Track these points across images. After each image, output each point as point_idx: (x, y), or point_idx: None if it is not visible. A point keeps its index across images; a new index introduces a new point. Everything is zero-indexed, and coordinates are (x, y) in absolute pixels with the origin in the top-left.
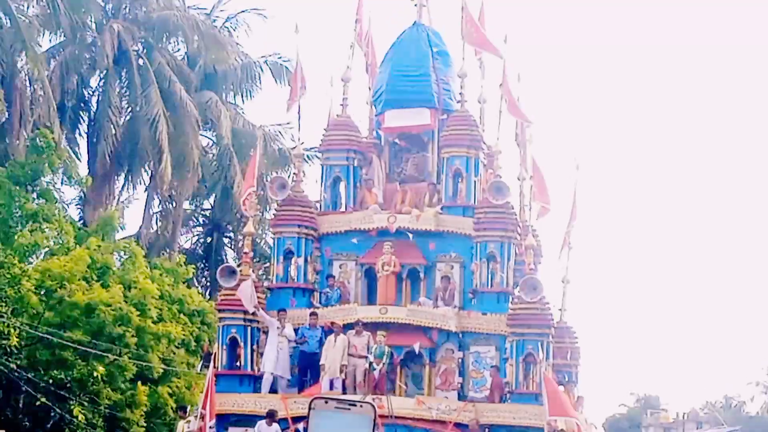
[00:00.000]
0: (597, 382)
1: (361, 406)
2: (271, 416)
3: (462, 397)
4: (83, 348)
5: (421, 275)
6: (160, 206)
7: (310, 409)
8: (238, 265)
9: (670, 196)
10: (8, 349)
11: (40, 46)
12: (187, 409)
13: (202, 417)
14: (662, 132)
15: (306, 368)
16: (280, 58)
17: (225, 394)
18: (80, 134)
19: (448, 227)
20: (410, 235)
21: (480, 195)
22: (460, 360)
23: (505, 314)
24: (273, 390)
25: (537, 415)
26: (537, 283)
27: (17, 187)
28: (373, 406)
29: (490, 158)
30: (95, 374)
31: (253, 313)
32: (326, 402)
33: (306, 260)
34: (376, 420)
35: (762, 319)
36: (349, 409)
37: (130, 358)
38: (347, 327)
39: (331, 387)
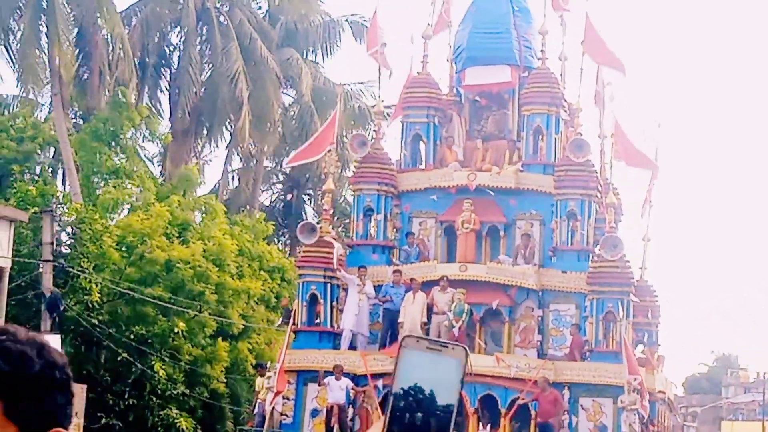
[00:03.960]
0: (678, 340)
1: (453, 348)
2: (338, 371)
3: (542, 355)
4: (164, 304)
5: (501, 233)
6: (241, 163)
7: (400, 347)
8: (318, 222)
9: (754, 153)
10: (90, 305)
11: (116, 4)
12: (266, 366)
13: (280, 373)
14: (745, 87)
15: (391, 325)
16: (361, 17)
17: (305, 350)
18: (162, 91)
19: (529, 185)
20: (491, 193)
21: (561, 153)
22: (539, 318)
23: (586, 272)
24: (352, 347)
25: (617, 373)
26: (617, 241)
27: (99, 143)
28: (465, 349)
29: (571, 116)
30: (176, 330)
31: (333, 269)
32: (418, 341)
33: (386, 217)
34: (468, 365)
35: None
36: (440, 350)
37: (210, 314)
38: (427, 284)
39: None
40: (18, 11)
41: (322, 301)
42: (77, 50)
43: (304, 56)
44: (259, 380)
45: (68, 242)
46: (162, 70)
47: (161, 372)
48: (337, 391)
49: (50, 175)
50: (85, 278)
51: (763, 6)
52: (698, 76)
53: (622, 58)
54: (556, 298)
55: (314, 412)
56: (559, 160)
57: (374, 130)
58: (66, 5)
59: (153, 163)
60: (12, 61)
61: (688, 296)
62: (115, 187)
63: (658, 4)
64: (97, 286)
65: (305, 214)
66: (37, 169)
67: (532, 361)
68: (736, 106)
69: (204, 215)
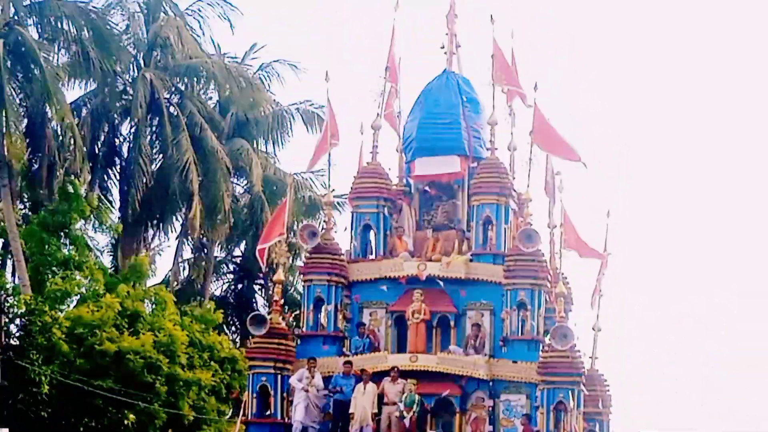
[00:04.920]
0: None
1: None
2: None
3: None
4: (114, 396)
5: (452, 323)
6: (192, 253)
7: None
8: (269, 313)
9: (704, 239)
10: (40, 398)
11: (65, 95)
12: None
13: None
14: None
15: (342, 416)
16: (311, 105)
17: None
18: (112, 181)
19: (479, 275)
20: (440, 283)
21: (510, 243)
22: (490, 408)
23: (536, 362)
24: None
25: None
26: (568, 331)
27: (48, 235)
28: None
29: (521, 206)
30: (126, 422)
31: (283, 360)
32: None
33: (336, 308)
34: None
35: None
36: None
37: (160, 405)
38: (377, 375)
39: None
40: None
41: (272, 392)
42: (27, 140)
43: (255, 146)
44: None
45: (17, 334)
46: (112, 160)
47: None
48: None
49: None
50: (35, 371)
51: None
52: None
53: (575, 146)
54: (507, 388)
55: None
56: (509, 249)
57: (324, 221)
58: (15, 96)
59: (103, 254)
60: None
61: (641, 384)
62: (64, 278)
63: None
64: (46, 378)
65: (256, 303)
66: None
67: None
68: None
69: (154, 306)
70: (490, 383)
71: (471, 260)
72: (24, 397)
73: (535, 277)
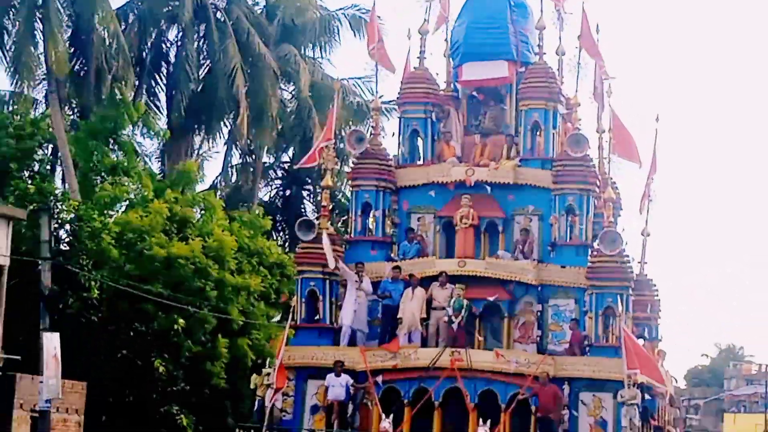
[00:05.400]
0: (680, 333)
1: None
2: (338, 367)
3: (541, 350)
4: (163, 301)
5: (500, 228)
6: (239, 159)
7: None
8: (317, 218)
9: (754, 142)
10: (89, 302)
11: (111, 1)
12: (266, 362)
13: (280, 370)
14: (744, 78)
15: (390, 321)
16: (358, 9)
17: (304, 347)
18: (159, 87)
19: (527, 180)
20: (488, 188)
21: (559, 148)
22: (538, 313)
23: (585, 267)
24: (352, 343)
25: (616, 368)
26: (616, 236)
27: (96, 141)
28: None
29: (569, 111)
30: (176, 327)
31: (335, 267)
32: None
33: (384, 213)
34: None
35: None
36: None
37: (209, 310)
38: (426, 280)
39: (410, 340)
40: (12, 9)
41: (321, 297)
42: (73, 48)
43: (302, 52)
44: (254, 377)
45: (67, 240)
46: (159, 66)
47: (161, 369)
48: (337, 387)
49: (48, 172)
50: (84, 276)
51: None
52: (697, 70)
53: (606, 58)
54: (556, 294)
55: (314, 409)
56: (557, 155)
57: (372, 126)
58: (61, 3)
59: (151, 160)
60: (6, 59)
61: (691, 289)
62: (112, 184)
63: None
64: (96, 283)
65: (304, 209)
66: (36, 167)
67: (532, 356)
68: (736, 97)
69: (203, 211)
70: (539, 288)
71: (519, 165)
72: (74, 303)
73: (583, 182)
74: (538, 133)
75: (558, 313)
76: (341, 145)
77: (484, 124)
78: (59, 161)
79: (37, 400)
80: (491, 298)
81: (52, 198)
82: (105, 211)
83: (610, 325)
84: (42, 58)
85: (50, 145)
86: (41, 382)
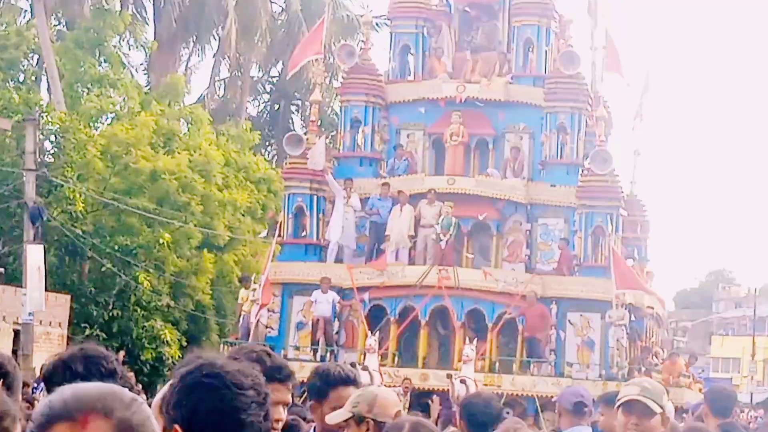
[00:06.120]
0: (669, 255)
1: None
2: (325, 284)
3: (529, 269)
4: (149, 215)
5: (490, 146)
6: (228, 73)
7: None
8: (305, 133)
9: (748, 61)
10: (74, 215)
11: None
12: (251, 278)
13: (266, 285)
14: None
15: (377, 238)
16: None
17: (290, 263)
18: None
19: (518, 97)
20: (480, 105)
21: (551, 65)
22: (527, 232)
23: (575, 186)
24: (338, 260)
25: (605, 288)
26: (607, 155)
27: (83, 52)
28: None
29: (562, 28)
30: (161, 241)
31: (319, 181)
32: None
33: (373, 129)
34: None
35: None
36: None
37: (195, 225)
38: (414, 197)
39: (397, 257)
40: None
41: (308, 213)
42: None
43: None
44: (243, 292)
45: (52, 151)
46: None
47: (146, 283)
48: (323, 304)
49: (34, 83)
50: (69, 188)
51: None
52: None
53: None
54: (545, 212)
55: (299, 325)
56: (549, 72)
57: (362, 41)
58: None
59: (138, 72)
60: None
61: (681, 210)
62: (98, 96)
63: None
64: (81, 196)
65: (293, 124)
66: (21, 77)
67: (520, 275)
68: (729, 19)
69: (190, 125)
70: (528, 207)
71: (511, 82)
72: (58, 215)
73: (575, 99)
74: (530, 50)
75: (547, 232)
76: (331, 60)
77: (477, 40)
78: (44, 72)
79: (20, 312)
80: (480, 217)
81: (37, 109)
82: (90, 123)
83: (599, 244)
84: None
85: (35, 56)
86: (24, 294)
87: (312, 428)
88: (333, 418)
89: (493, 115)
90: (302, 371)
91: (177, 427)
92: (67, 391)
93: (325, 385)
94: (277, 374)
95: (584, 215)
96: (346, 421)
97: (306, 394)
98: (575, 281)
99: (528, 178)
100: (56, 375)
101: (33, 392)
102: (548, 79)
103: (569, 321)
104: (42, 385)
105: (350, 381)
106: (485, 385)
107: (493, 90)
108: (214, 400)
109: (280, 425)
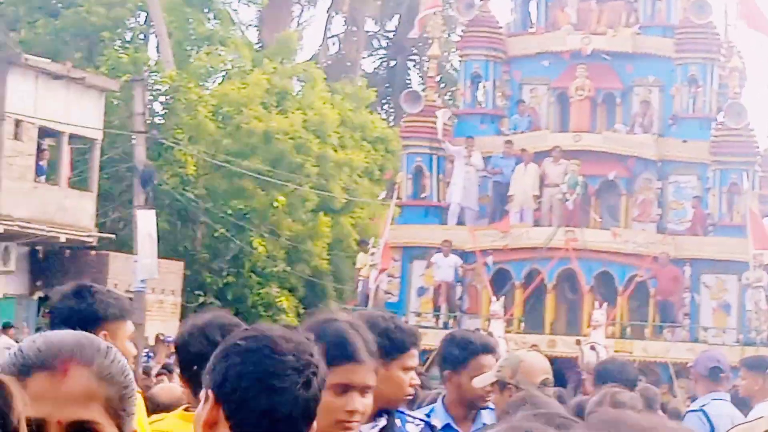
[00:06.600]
0: None
1: None
2: (446, 247)
3: (661, 229)
4: (262, 177)
5: (617, 100)
6: (342, 28)
7: None
8: (423, 90)
9: None
10: (185, 178)
11: None
12: (370, 242)
13: (385, 249)
14: None
15: (501, 199)
16: None
17: (410, 226)
18: None
19: (647, 49)
20: (606, 58)
21: (681, 14)
22: (658, 190)
23: (708, 141)
24: (460, 222)
25: (741, 248)
26: (742, 108)
27: (191, 9)
28: None
29: None
30: (275, 204)
31: (439, 139)
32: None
33: (494, 84)
34: None
35: None
36: None
37: (311, 187)
38: (538, 155)
39: (522, 219)
40: None
41: (428, 173)
42: None
43: None
44: (361, 257)
45: (161, 112)
46: None
47: (261, 248)
48: (444, 268)
49: (141, 42)
50: (180, 150)
51: None
52: None
53: None
54: (677, 169)
55: (420, 291)
56: (679, 21)
57: None
58: None
59: (248, 29)
60: None
61: None
62: (208, 54)
63: None
64: (192, 158)
65: (410, 80)
66: (128, 36)
67: (651, 236)
68: None
69: (303, 83)
70: (659, 164)
71: (638, 33)
72: (170, 178)
73: (707, 50)
74: None
75: (679, 190)
76: (449, 12)
77: None
78: (152, 30)
79: (132, 280)
80: (610, 176)
81: (146, 68)
82: (201, 83)
83: (734, 202)
84: None
85: (142, 14)
86: (135, 261)
87: (441, 397)
88: (479, 381)
89: (620, 67)
90: (424, 338)
91: (210, 391)
92: (38, 339)
93: (465, 353)
94: (411, 340)
95: (718, 172)
96: (492, 385)
97: (431, 361)
98: (709, 241)
99: (658, 133)
100: (192, 343)
101: (147, 360)
102: (678, 29)
103: (704, 283)
104: (152, 354)
105: (490, 349)
106: (616, 351)
107: (620, 41)
108: (245, 363)
109: (411, 391)
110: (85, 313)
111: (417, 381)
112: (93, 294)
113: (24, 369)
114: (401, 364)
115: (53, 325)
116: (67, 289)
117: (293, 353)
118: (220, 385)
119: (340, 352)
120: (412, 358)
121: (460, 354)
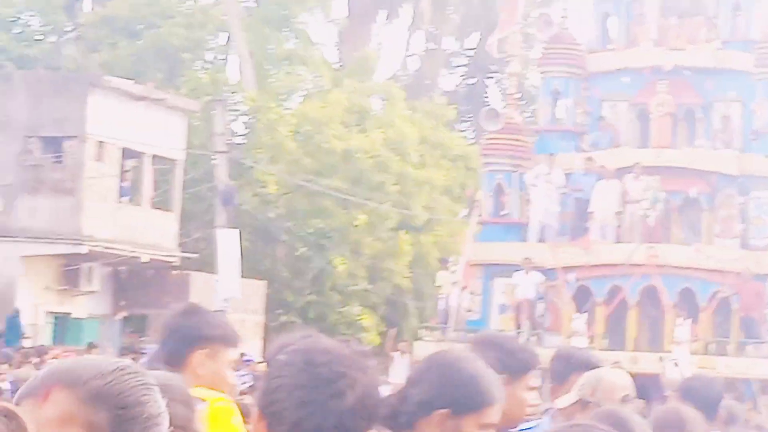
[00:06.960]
0: None
1: None
2: (527, 264)
3: (744, 245)
4: (343, 196)
5: (698, 116)
6: (422, 46)
7: None
8: (503, 107)
9: None
10: (266, 198)
11: None
12: (450, 260)
13: (466, 267)
14: None
15: (582, 216)
16: None
17: (491, 243)
18: None
19: (728, 64)
20: (686, 73)
21: (761, 29)
22: (741, 206)
23: None
24: (541, 239)
25: None
26: None
27: (270, 29)
28: None
29: None
30: (356, 223)
31: (520, 156)
32: None
33: (574, 101)
34: None
35: None
36: None
37: (391, 205)
38: (619, 171)
39: (603, 235)
40: None
41: (508, 191)
42: None
43: None
44: (442, 275)
45: (242, 133)
46: None
47: (342, 267)
48: (526, 285)
49: (221, 62)
50: (261, 170)
51: None
52: None
53: None
54: (759, 185)
55: (502, 308)
56: (760, 36)
57: (562, 9)
58: None
59: (328, 48)
60: None
61: None
62: (288, 73)
63: None
64: (272, 178)
65: (490, 98)
66: (208, 57)
67: (734, 251)
68: None
69: (383, 102)
70: (740, 179)
71: (719, 48)
72: (251, 198)
73: None
74: (738, 13)
75: (761, 205)
76: (529, 30)
77: (682, 4)
78: (232, 50)
79: (214, 299)
80: (692, 192)
81: (226, 89)
82: (281, 103)
83: None
84: None
85: (222, 34)
86: (217, 281)
87: (546, 410)
88: (562, 401)
89: (700, 83)
90: None
91: (258, 410)
92: (50, 365)
93: (565, 369)
94: (534, 360)
95: None
96: (574, 404)
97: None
98: None
99: (740, 149)
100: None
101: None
102: (759, 44)
103: None
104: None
105: (590, 365)
106: (699, 368)
107: (700, 57)
108: (282, 376)
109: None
110: (189, 329)
111: (538, 401)
112: (200, 313)
113: (19, 396)
114: (525, 384)
115: (162, 341)
116: (180, 307)
117: (327, 365)
118: (262, 400)
119: (481, 398)
120: (535, 378)
121: (561, 369)
